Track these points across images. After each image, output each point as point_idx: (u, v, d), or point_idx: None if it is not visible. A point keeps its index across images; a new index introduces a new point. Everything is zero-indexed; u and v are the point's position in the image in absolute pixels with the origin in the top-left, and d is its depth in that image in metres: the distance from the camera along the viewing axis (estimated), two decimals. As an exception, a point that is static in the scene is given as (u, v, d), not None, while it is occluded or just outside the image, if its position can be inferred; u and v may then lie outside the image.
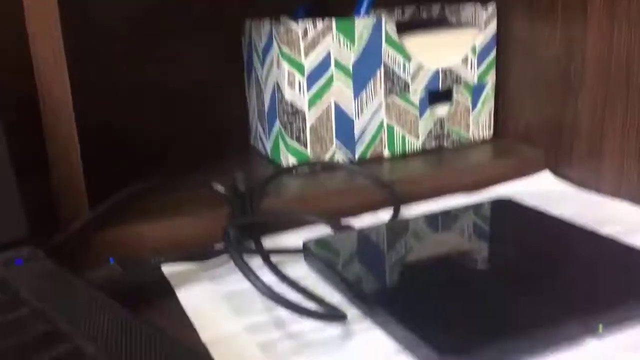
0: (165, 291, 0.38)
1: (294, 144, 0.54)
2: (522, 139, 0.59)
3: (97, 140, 0.52)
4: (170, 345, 0.26)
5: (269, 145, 0.58)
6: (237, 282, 0.38)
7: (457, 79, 0.58)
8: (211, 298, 0.37)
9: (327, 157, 0.55)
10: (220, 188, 0.49)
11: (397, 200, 0.48)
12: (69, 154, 0.40)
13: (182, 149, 0.62)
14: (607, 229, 0.43)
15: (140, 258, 0.37)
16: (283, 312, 0.34)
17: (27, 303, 0.30)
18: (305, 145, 0.54)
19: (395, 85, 0.56)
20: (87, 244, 0.40)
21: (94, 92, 0.56)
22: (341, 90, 0.54)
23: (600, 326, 0.30)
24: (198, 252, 0.40)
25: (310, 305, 0.35)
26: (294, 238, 0.44)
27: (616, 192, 0.50)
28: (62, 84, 0.39)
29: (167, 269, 0.40)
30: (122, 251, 0.41)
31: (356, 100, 0.55)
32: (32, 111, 0.40)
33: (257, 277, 0.32)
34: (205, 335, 0.33)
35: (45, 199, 0.40)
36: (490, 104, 0.61)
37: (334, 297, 0.36)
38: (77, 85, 0.42)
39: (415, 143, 0.58)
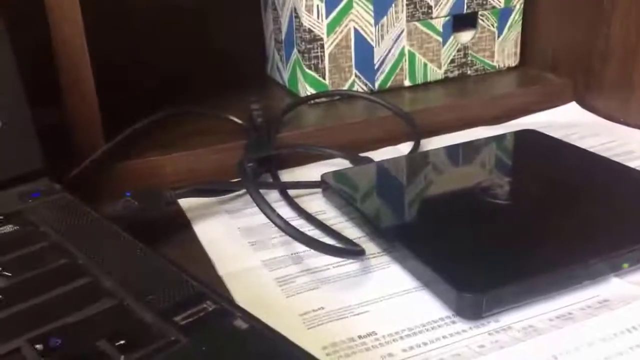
0: (182, 225, 0.38)
1: (312, 73, 0.52)
2: (549, 67, 0.57)
3: (114, 72, 0.51)
4: (186, 280, 0.26)
5: (286, 75, 0.56)
6: (254, 216, 0.37)
7: (483, 3, 0.55)
8: (228, 232, 0.37)
9: (346, 86, 0.53)
10: (237, 120, 0.48)
11: (417, 132, 0.47)
12: (81, 83, 0.39)
13: (197, 80, 0.61)
14: (635, 163, 0.41)
15: (157, 191, 0.37)
16: (301, 247, 0.34)
17: (45, 236, 0.30)
18: (324, 75, 0.52)
19: (418, 10, 0.53)
20: (104, 176, 0.40)
21: (108, 22, 0.54)
22: (361, 16, 0.52)
23: (626, 265, 0.30)
24: (215, 185, 0.40)
25: (329, 240, 0.34)
26: (312, 171, 0.43)
27: (646, 123, 0.48)
28: (74, 12, 0.38)
29: (185, 202, 0.39)
30: (140, 183, 0.40)
31: (377, 27, 0.52)
32: (45, 42, 0.39)
33: (275, 212, 0.31)
34: (223, 269, 0.33)
35: (62, 132, 0.40)
36: (517, 29, 0.58)
37: (353, 232, 0.36)
38: (90, 13, 0.40)
39: (437, 72, 0.56)
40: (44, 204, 0.33)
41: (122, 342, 0.22)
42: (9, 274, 0.27)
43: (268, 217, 0.31)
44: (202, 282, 0.26)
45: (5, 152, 0.34)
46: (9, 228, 0.31)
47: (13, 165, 0.35)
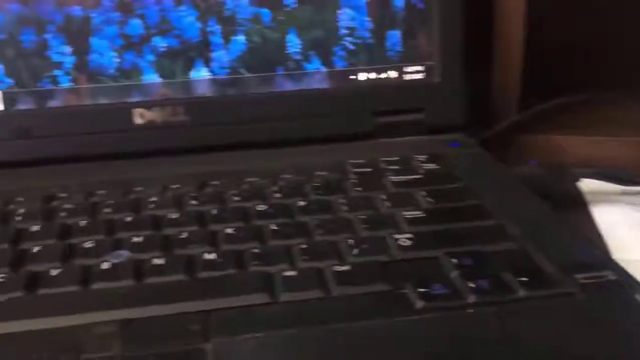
0: (579, 204, 0.38)
1: None
2: None
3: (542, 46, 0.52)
4: (590, 247, 0.27)
5: None
6: (659, 213, 0.35)
7: None
8: (627, 222, 0.35)
9: None
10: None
11: None
12: (512, 57, 0.42)
13: (616, 63, 0.57)
14: None
15: (561, 166, 0.38)
16: None
17: (459, 178, 0.34)
18: None
19: None
20: (512, 143, 0.43)
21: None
22: None
23: None
24: (621, 175, 0.39)
25: None
26: None
27: None
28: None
29: (584, 184, 0.39)
30: (541, 157, 0.42)
31: None
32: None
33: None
34: (617, 255, 0.32)
35: (483, 96, 0.43)
36: None
37: None
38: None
39: None
40: (461, 153, 0.37)
41: (524, 279, 0.24)
42: (431, 200, 0.31)
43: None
44: (606, 252, 0.26)
45: (439, 105, 0.40)
46: (432, 166, 0.36)
47: (442, 116, 0.40)
